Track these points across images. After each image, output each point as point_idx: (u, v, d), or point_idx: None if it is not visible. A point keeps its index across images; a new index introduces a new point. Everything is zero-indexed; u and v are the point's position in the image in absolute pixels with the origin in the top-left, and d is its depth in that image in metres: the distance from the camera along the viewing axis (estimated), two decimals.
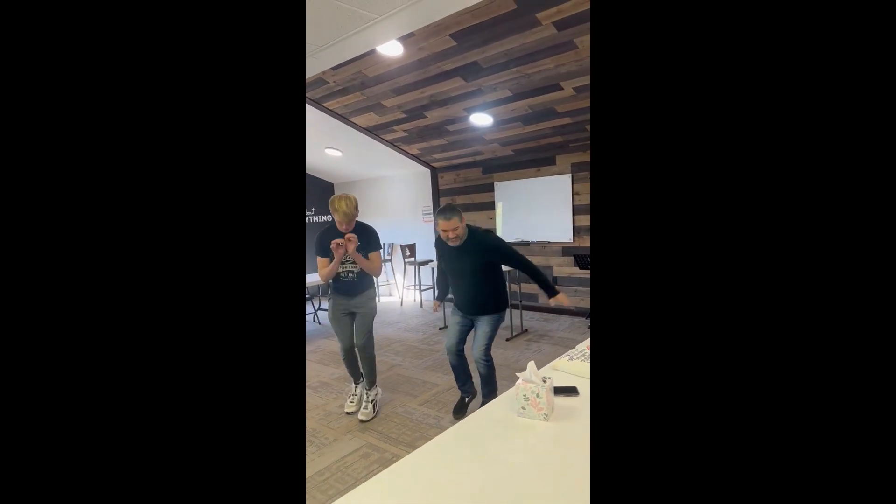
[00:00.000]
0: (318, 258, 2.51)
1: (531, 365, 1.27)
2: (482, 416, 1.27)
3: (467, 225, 2.27)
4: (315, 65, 2.59)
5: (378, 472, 1.00)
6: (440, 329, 4.58)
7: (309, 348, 4.22)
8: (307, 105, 4.34)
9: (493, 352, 2.57)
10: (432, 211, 5.85)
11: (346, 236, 2.32)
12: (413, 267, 5.97)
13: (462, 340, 2.47)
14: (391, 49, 3.16)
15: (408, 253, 5.93)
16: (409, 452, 1.08)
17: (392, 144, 5.18)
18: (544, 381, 1.24)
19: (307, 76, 2.80)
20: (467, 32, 2.97)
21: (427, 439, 1.10)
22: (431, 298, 5.89)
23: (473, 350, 2.41)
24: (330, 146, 5.45)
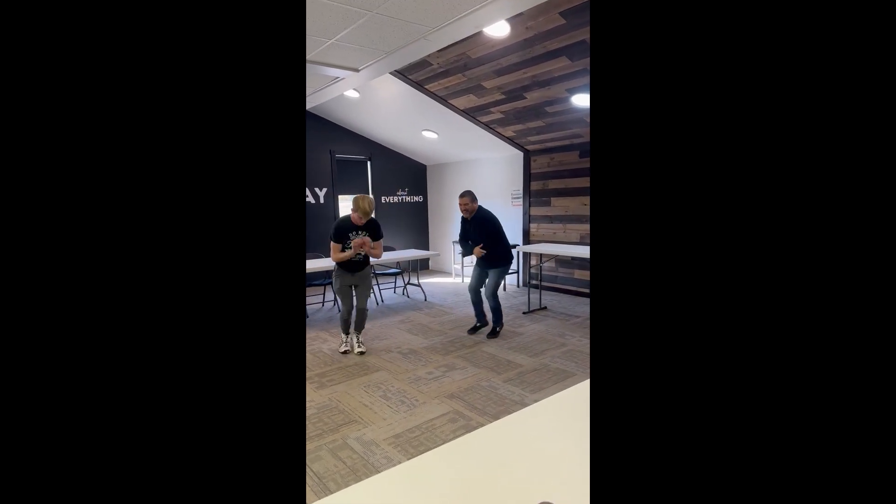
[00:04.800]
0: (333, 243, 3.30)
1: None
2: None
3: (479, 206, 3.72)
4: (426, 47, 2.69)
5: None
6: (524, 313, 4.60)
7: (398, 319, 4.48)
8: (409, 87, 4.51)
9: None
10: (522, 195, 5.81)
11: (362, 241, 3.29)
12: None
13: (479, 284, 3.84)
14: (498, 29, 3.17)
15: None
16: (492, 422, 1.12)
17: (487, 127, 5.21)
18: None
19: (419, 58, 2.92)
20: (578, 10, 2.88)
21: (510, 413, 1.14)
22: (515, 283, 6.06)
23: (486, 290, 3.77)
24: (427, 128, 5.63)
